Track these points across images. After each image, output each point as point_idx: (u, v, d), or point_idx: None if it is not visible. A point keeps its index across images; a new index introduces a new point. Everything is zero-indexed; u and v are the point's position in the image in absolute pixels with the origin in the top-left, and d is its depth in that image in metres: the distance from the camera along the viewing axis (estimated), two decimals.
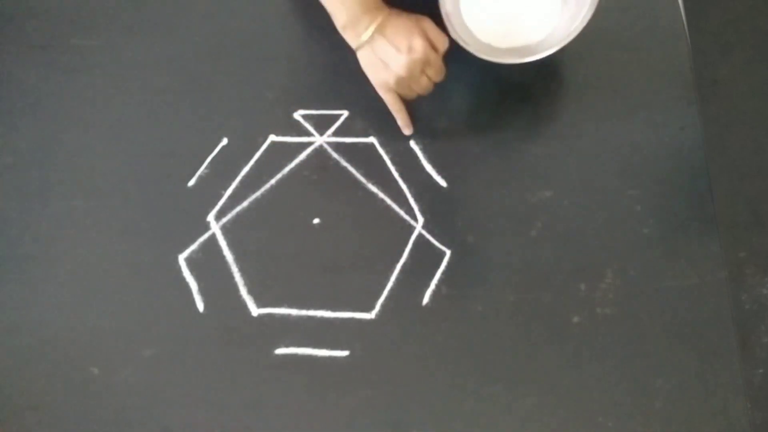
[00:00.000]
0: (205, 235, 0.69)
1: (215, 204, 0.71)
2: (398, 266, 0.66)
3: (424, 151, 0.72)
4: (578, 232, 0.66)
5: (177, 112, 0.77)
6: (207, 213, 0.70)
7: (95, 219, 0.71)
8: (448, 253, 0.66)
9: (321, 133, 0.74)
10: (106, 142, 0.76)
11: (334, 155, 0.72)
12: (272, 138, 0.74)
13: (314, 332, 0.64)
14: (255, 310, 0.65)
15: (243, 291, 0.66)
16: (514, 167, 0.71)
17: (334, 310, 0.65)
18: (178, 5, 0.84)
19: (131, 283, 0.68)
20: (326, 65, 0.78)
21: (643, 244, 0.65)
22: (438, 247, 0.67)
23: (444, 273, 0.65)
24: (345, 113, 0.75)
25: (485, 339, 0.62)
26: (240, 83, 0.78)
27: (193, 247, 0.69)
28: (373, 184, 0.71)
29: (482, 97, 0.75)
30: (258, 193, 0.71)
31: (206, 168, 0.73)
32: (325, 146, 0.73)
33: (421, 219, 0.68)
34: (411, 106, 0.70)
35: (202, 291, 0.67)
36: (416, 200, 0.69)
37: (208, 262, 0.68)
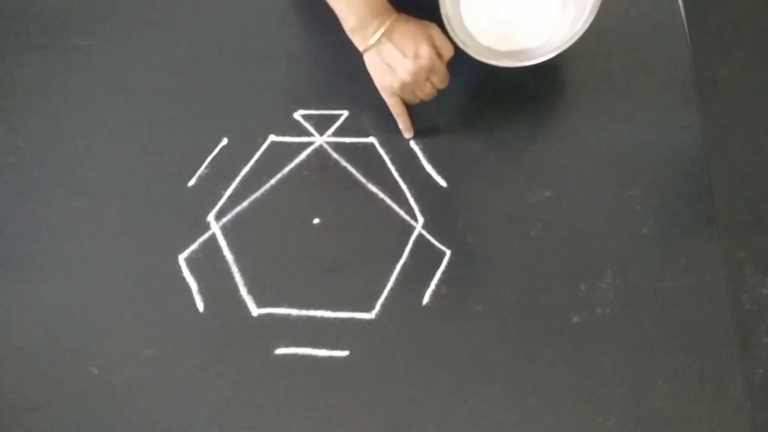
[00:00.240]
0: (205, 235, 0.69)
1: (215, 204, 0.71)
2: (398, 266, 0.66)
3: (424, 151, 0.72)
4: (578, 232, 0.66)
5: (177, 112, 0.77)
6: (207, 213, 0.70)
7: (95, 219, 0.71)
8: (448, 253, 0.66)
9: (321, 133, 0.74)
10: (106, 141, 0.76)
11: (334, 155, 0.72)
12: (272, 138, 0.74)
13: (314, 332, 0.64)
14: (255, 310, 0.65)
15: (243, 291, 0.66)
16: (514, 167, 0.71)
17: (334, 310, 0.65)
18: (178, 5, 0.84)
19: (131, 283, 0.68)
20: (326, 65, 0.78)
21: (642, 244, 0.65)
22: (438, 247, 0.67)
23: (444, 273, 0.65)
24: (345, 113, 0.75)
25: (485, 339, 0.62)
26: (240, 83, 0.78)
27: (193, 247, 0.69)
28: (373, 184, 0.71)
29: (482, 97, 0.75)
30: (258, 193, 0.71)
31: (206, 168, 0.73)
32: (325, 146, 0.73)
33: (421, 219, 0.68)
34: (412, 108, 0.71)
35: (202, 291, 0.67)
36: (416, 200, 0.69)
37: (208, 262, 0.68)
